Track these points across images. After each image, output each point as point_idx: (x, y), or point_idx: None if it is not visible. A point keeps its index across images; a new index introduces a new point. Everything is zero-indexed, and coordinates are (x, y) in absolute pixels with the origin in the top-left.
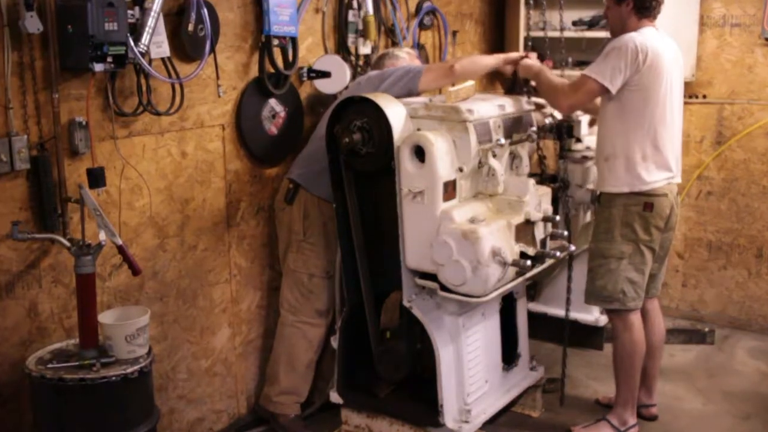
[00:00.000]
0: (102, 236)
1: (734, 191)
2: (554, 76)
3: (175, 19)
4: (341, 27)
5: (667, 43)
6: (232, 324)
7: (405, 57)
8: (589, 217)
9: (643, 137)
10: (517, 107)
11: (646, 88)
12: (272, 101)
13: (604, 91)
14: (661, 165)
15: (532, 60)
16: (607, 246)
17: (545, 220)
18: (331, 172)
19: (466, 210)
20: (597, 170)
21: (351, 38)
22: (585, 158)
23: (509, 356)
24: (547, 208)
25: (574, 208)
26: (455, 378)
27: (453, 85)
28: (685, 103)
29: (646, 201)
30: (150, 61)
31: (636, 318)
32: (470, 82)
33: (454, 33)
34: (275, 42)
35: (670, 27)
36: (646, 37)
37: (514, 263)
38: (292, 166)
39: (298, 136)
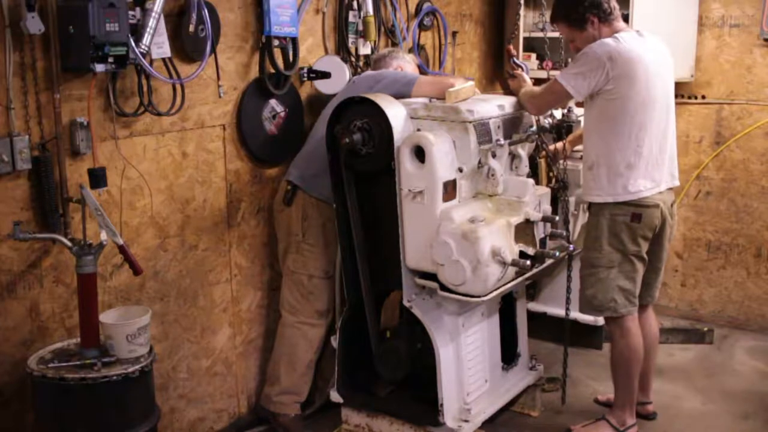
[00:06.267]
0: (103, 236)
1: (733, 191)
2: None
3: (176, 20)
4: (341, 28)
5: (648, 47)
6: (232, 324)
7: (410, 61)
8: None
9: (625, 146)
10: (517, 107)
11: (622, 96)
12: (273, 101)
13: (568, 96)
14: (648, 174)
15: (521, 76)
16: (596, 255)
17: (545, 220)
18: (331, 172)
19: (466, 210)
20: (582, 179)
21: (351, 39)
22: None
23: (509, 356)
24: (547, 208)
25: (574, 208)
26: (455, 377)
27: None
28: (684, 103)
29: (633, 212)
30: (151, 62)
31: (633, 323)
32: (470, 83)
33: (454, 33)
34: (276, 42)
35: (669, 27)
36: (620, 42)
37: (514, 263)
38: (289, 168)
39: (298, 137)
